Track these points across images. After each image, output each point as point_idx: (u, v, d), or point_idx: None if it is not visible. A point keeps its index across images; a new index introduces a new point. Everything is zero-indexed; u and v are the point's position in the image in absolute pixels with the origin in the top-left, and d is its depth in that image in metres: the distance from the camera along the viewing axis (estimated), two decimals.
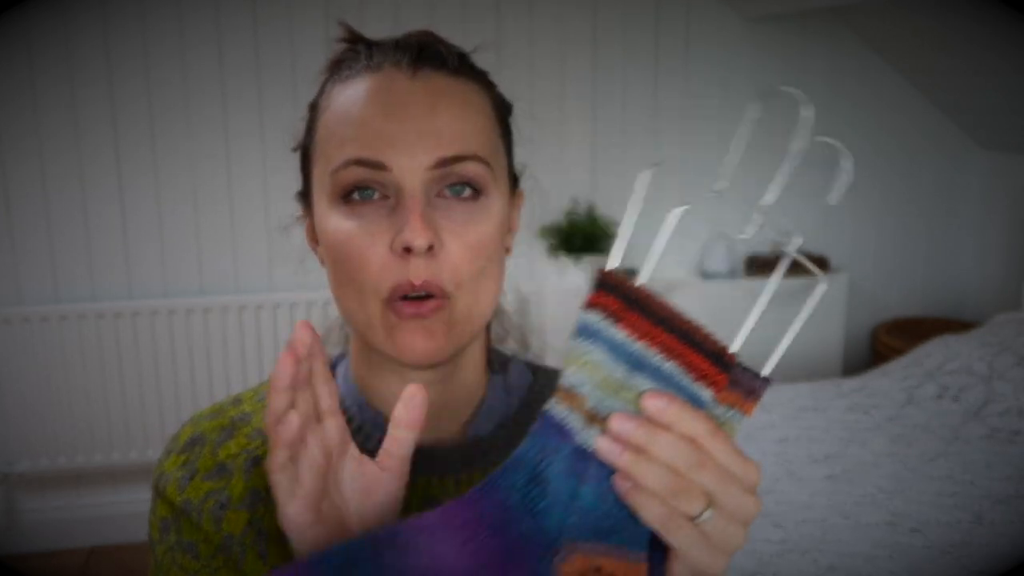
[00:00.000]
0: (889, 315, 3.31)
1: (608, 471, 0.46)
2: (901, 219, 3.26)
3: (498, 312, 0.76)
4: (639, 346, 0.46)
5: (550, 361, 0.82)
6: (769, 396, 2.47)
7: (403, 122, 0.58)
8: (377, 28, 0.70)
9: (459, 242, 0.59)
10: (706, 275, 2.99)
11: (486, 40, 0.67)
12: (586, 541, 0.46)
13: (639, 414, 0.45)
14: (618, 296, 0.47)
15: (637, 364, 0.46)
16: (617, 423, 0.45)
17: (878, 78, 3.12)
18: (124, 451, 2.65)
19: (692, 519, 0.46)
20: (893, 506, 1.85)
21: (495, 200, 0.62)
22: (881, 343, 3.09)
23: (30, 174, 2.57)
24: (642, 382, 0.46)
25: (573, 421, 0.46)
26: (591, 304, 0.47)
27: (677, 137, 3.01)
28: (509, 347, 0.78)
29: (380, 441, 0.67)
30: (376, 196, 0.59)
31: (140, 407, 2.64)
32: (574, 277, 2.82)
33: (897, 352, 2.92)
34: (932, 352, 2.56)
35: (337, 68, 0.65)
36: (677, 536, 0.46)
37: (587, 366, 0.45)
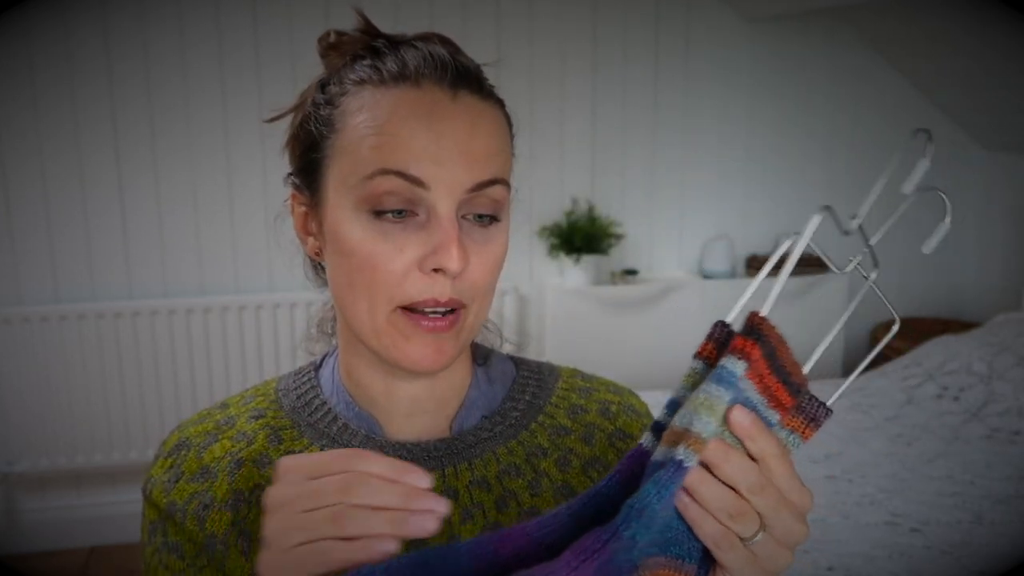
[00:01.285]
0: (889, 315, 3.31)
1: (674, 483, 0.47)
2: (901, 219, 3.25)
3: None
4: (748, 384, 0.47)
5: (551, 358, 0.82)
6: None
7: (445, 143, 0.60)
8: (377, 26, 0.70)
9: (479, 262, 0.62)
10: (706, 275, 2.99)
11: (490, 58, 0.68)
12: (653, 556, 0.47)
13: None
14: (762, 344, 0.46)
15: (740, 397, 0.47)
16: (737, 415, 0.47)
17: (879, 78, 3.12)
18: (124, 451, 2.65)
19: (744, 540, 0.48)
20: (893, 506, 1.85)
21: (506, 221, 0.65)
22: None
23: (30, 174, 2.57)
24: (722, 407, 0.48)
25: (692, 459, 0.46)
26: (740, 352, 0.46)
27: (677, 137, 3.01)
28: (488, 339, 0.79)
29: (365, 438, 0.68)
30: (406, 213, 0.60)
31: (140, 407, 2.64)
32: (574, 277, 2.82)
33: (897, 352, 2.92)
34: (932, 352, 2.56)
35: (360, 62, 0.64)
36: (728, 555, 0.48)
37: (717, 412, 0.46)
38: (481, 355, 0.75)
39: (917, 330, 3.17)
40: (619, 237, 2.87)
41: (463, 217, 0.61)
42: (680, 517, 0.48)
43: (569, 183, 2.94)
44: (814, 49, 3.05)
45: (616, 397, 0.76)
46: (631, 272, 2.95)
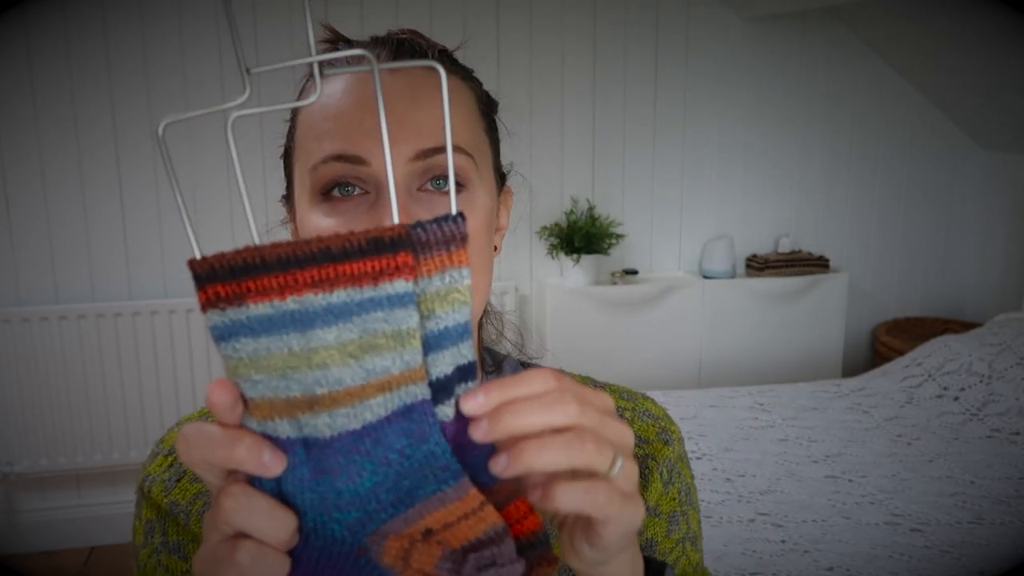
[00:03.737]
0: (889, 315, 3.31)
1: (368, 445, 0.38)
2: (901, 219, 3.25)
3: (491, 313, 0.76)
4: (290, 303, 0.36)
5: (548, 361, 0.82)
6: (769, 396, 2.47)
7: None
8: (377, 28, 0.70)
9: None
10: (706, 275, 2.99)
11: (469, 39, 0.67)
12: (391, 520, 0.39)
13: (346, 366, 0.37)
14: (224, 279, 0.36)
15: (305, 320, 0.37)
16: (470, 405, 0.39)
17: (878, 78, 3.12)
18: (124, 451, 2.65)
19: (605, 474, 0.40)
20: (893, 506, 1.85)
21: (479, 195, 0.61)
22: (881, 343, 3.09)
23: (30, 174, 2.57)
24: (323, 333, 0.37)
25: (280, 428, 0.37)
26: (204, 305, 0.37)
27: (677, 137, 3.01)
28: (504, 347, 0.77)
29: None
30: (356, 192, 0.58)
31: (140, 407, 2.64)
32: (574, 277, 2.82)
33: (897, 352, 2.92)
34: (932, 352, 2.56)
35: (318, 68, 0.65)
36: (605, 510, 0.40)
37: (247, 366, 0.37)
38: (494, 362, 0.73)
39: (917, 330, 3.17)
40: (619, 237, 2.87)
41: (420, 189, 0.58)
42: (407, 455, 0.39)
43: (569, 183, 2.94)
44: (813, 49, 3.05)
45: (629, 404, 0.74)
46: (631, 272, 2.95)
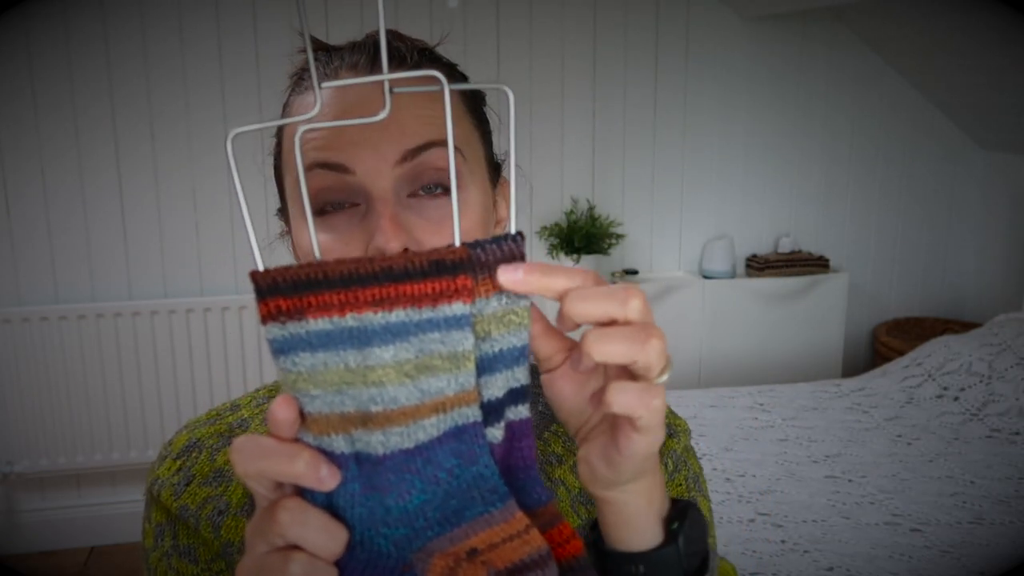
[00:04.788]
0: (889, 315, 3.31)
1: (418, 464, 0.39)
2: (901, 219, 3.25)
3: None
4: (349, 319, 0.37)
5: None
6: (769, 396, 2.47)
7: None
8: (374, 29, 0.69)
9: (438, 240, 0.56)
10: (706, 275, 2.99)
11: (491, 61, 0.66)
12: (437, 538, 0.39)
13: (402, 385, 0.37)
14: (286, 293, 0.37)
15: (363, 337, 0.37)
16: (506, 277, 0.39)
17: (878, 78, 3.12)
18: (124, 451, 2.65)
19: (655, 379, 0.39)
20: (893, 506, 1.85)
21: (472, 193, 0.59)
22: (881, 343, 3.09)
23: (30, 175, 2.57)
24: (381, 351, 0.37)
25: (335, 444, 0.38)
26: (264, 318, 0.37)
27: (677, 137, 3.01)
28: None
29: None
30: (347, 205, 0.57)
31: (140, 407, 2.64)
32: None
33: (897, 352, 2.92)
34: (932, 352, 2.56)
35: (299, 79, 0.64)
36: (651, 419, 0.39)
37: (306, 380, 0.37)
38: None
39: (917, 330, 3.17)
40: (619, 237, 2.87)
41: (411, 195, 0.57)
42: (456, 474, 0.39)
43: (569, 183, 2.94)
44: (813, 49, 3.05)
45: None
46: (631, 272, 2.95)
